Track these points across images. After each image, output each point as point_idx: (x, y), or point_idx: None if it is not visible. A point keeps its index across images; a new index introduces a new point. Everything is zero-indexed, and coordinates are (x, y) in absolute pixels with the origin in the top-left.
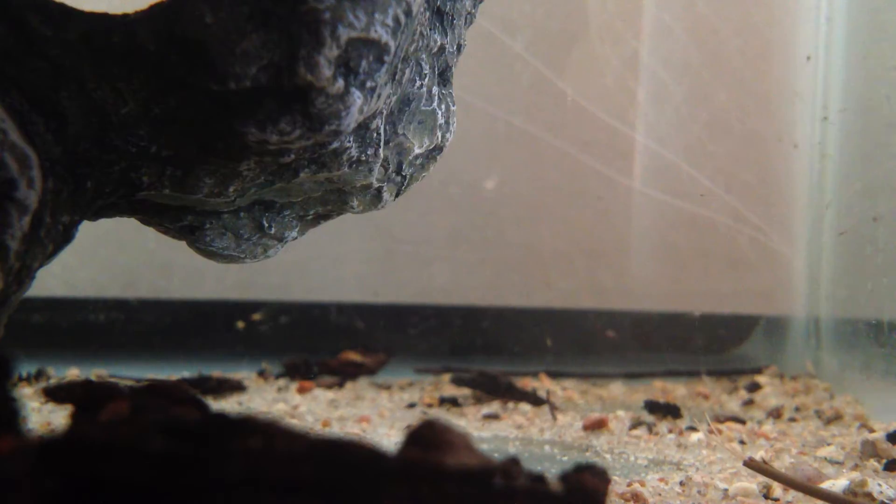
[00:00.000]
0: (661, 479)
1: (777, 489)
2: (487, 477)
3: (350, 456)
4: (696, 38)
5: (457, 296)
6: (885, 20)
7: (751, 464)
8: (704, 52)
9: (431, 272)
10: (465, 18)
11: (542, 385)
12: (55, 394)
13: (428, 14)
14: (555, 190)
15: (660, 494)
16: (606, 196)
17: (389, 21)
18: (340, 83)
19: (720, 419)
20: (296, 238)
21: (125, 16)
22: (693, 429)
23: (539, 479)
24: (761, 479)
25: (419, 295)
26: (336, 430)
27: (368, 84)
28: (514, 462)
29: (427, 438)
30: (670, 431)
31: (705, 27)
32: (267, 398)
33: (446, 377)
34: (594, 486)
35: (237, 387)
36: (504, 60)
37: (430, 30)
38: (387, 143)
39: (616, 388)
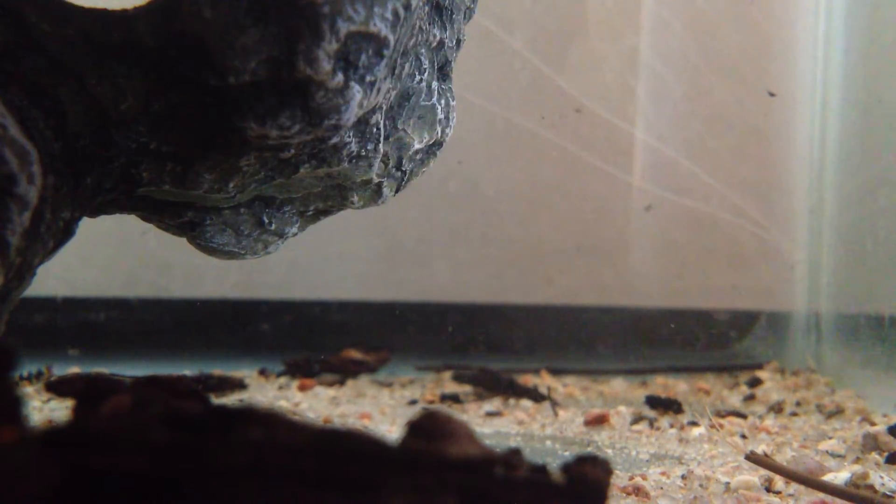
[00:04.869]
0: (663, 473)
1: (779, 482)
2: (489, 467)
3: (352, 446)
4: (695, 33)
5: (457, 293)
6: (884, 15)
7: (752, 457)
8: (703, 47)
9: (432, 270)
10: (465, 13)
11: (544, 381)
12: (57, 388)
13: (427, 8)
14: (554, 187)
15: (661, 488)
16: (606, 193)
17: (388, 15)
18: (340, 77)
19: (721, 414)
20: (296, 234)
21: (124, 11)
22: (694, 424)
23: (541, 469)
24: (763, 472)
25: (420, 292)
26: None
27: (368, 78)
28: (515, 453)
29: (429, 429)
30: (672, 426)
31: (704, 23)
32: (268, 396)
33: (447, 374)
34: (596, 477)
35: (238, 385)
36: (503, 57)
37: (430, 24)
38: (387, 138)
39: (617, 384)
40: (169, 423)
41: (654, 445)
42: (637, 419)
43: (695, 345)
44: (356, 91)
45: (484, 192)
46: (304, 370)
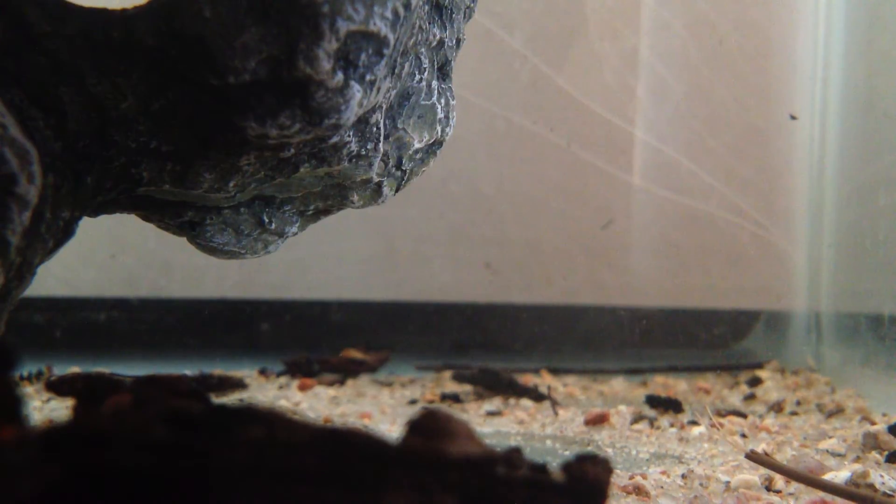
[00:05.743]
0: (664, 473)
1: (779, 481)
2: (489, 465)
3: (352, 444)
4: (695, 33)
5: (457, 293)
6: (883, 14)
7: (752, 456)
8: (704, 47)
9: (432, 269)
10: (465, 12)
11: (544, 381)
12: (57, 387)
13: (427, 8)
14: (554, 187)
15: (662, 487)
16: (606, 193)
17: (388, 14)
18: (340, 76)
19: (721, 413)
20: (296, 234)
21: (124, 11)
22: (694, 423)
23: (541, 468)
24: (763, 471)
25: (420, 292)
26: None
27: (368, 77)
28: (516, 452)
29: (429, 427)
30: (672, 426)
31: (704, 23)
32: (268, 395)
33: (448, 374)
34: (597, 476)
35: (238, 384)
36: (503, 57)
37: (430, 23)
38: (386, 137)
39: (617, 384)
40: (169, 423)
41: (654, 445)
42: (637, 418)
43: (695, 344)
44: (356, 90)
45: (484, 192)
46: (304, 370)
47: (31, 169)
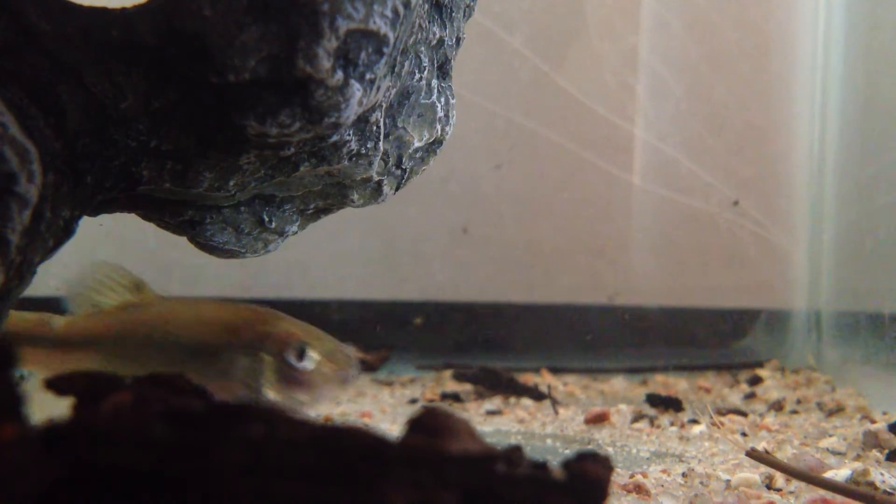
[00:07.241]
0: (664, 471)
1: (779, 479)
2: (490, 464)
3: (352, 442)
4: (694, 33)
5: (458, 292)
6: (883, 14)
7: (753, 454)
8: (703, 47)
9: (432, 269)
10: (464, 11)
11: (544, 380)
12: (56, 385)
13: (427, 6)
14: (554, 186)
15: (662, 486)
16: (606, 192)
17: (388, 12)
18: (339, 75)
19: (722, 412)
20: (296, 233)
21: (124, 10)
22: (695, 421)
23: (541, 466)
24: (764, 469)
25: (420, 292)
26: None
27: (368, 76)
28: (516, 449)
29: (429, 425)
30: (672, 424)
31: (704, 22)
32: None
33: (448, 373)
34: (597, 474)
35: None
36: (502, 57)
37: (429, 22)
38: (386, 136)
39: (617, 383)
40: (169, 420)
41: (654, 443)
42: (637, 417)
43: (695, 343)
44: (356, 89)
45: (484, 191)
46: None
47: (31, 168)
